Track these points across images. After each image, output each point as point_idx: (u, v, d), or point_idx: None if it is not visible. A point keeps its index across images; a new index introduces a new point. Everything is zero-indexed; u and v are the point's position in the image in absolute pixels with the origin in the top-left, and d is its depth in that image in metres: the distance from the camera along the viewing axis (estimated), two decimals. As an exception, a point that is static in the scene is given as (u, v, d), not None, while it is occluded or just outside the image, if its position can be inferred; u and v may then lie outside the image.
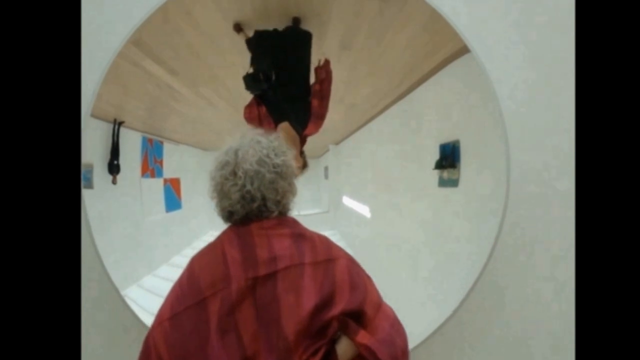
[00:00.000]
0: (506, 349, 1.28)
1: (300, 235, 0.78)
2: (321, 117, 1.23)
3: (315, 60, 1.23)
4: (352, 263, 0.79)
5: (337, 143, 1.36)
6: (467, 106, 1.19)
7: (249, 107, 1.22)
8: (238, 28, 1.19)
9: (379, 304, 0.78)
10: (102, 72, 1.11)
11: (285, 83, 1.20)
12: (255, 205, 0.78)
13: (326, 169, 1.36)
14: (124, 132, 1.20)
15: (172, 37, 1.17)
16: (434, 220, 1.25)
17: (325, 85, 1.23)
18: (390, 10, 1.15)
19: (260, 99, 1.21)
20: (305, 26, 1.19)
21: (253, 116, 1.22)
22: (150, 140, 1.24)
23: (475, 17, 1.23)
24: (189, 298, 0.74)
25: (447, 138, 1.20)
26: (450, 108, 1.22)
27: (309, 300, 0.72)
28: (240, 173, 0.78)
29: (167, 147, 1.28)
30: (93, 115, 1.13)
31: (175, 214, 1.28)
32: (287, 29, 1.19)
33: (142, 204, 1.23)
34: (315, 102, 1.21)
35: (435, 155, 1.21)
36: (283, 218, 0.81)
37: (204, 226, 1.26)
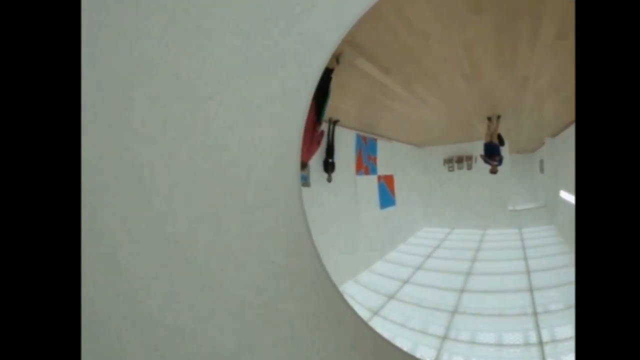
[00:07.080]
0: None
1: None
2: None
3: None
4: None
5: (553, 135, 1.32)
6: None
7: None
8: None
9: None
10: (317, 74, 1.15)
11: None
12: None
13: (541, 162, 1.33)
14: (338, 131, 1.23)
15: (385, 35, 1.19)
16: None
17: None
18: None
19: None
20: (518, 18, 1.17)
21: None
22: (364, 138, 1.26)
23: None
24: None
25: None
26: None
27: None
28: None
29: (381, 144, 1.29)
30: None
31: (389, 210, 1.29)
32: None
33: (357, 201, 1.25)
34: None
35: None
36: None
37: (417, 222, 1.27)
